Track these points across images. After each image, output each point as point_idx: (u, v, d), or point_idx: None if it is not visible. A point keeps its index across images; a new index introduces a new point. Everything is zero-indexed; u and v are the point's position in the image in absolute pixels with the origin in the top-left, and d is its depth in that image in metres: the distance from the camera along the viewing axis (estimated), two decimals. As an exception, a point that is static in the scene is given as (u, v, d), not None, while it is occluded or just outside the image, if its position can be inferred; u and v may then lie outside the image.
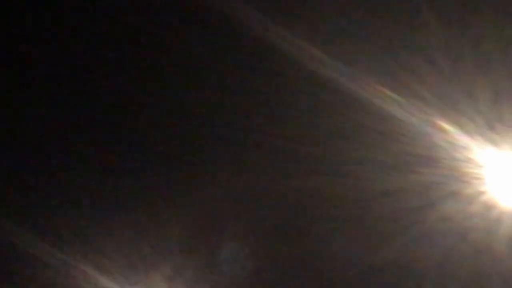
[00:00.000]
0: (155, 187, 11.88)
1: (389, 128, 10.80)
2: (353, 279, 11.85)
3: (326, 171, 11.17)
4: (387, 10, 10.22)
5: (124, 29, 10.49)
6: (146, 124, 11.44)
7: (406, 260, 11.58)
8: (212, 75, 10.82)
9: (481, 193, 10.38)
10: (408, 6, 10.22)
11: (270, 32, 9.72)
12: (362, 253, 11.72)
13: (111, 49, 11.10)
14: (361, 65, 10.57)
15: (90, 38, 10.76)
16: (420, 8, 10.19)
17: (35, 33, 10.73)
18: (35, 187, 12.48)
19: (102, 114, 11.57)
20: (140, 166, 12.01)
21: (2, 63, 11.21)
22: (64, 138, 11.71)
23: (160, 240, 12.46)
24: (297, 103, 10.67)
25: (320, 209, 11.22)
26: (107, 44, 10.98)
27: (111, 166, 11.95)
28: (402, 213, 10.99)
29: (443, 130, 10.49)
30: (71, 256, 12.76)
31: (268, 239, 11.59)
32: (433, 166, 10.65)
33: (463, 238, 10.92)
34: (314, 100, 10.60)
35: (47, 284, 12.78)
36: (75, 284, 12.98)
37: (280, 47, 9.80)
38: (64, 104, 11.41)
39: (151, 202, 11.83)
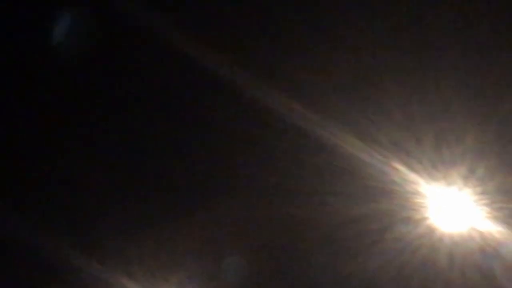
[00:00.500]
0: (166, 209, 13.16)
1: (353, 166, 11.98)
2: (327, 286, 13.03)
3: (305, 201, 12.40)
4: (348, 67, 11.42)
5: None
6: (160, 161, 12.76)
7: (369, 271, 12.74)
8: (211, 121, 12.09)
9: (426, 218, 11.54)
10: (367, 66, 11.42)
11: (244, 83, 11.03)
12: (333, 266, 12.91)
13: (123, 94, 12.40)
14: (331, 116, 11.67)
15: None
16: (377, 68, 11.38)
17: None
18: (73, 202, 13.69)
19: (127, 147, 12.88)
20: (159, 193, 13.32)
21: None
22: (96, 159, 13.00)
23: (172, 251, 13.67)
24: (279, 145, 11.91)
25: (299, 231, 12.45)
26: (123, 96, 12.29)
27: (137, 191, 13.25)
28: (364, 235, 12.17)
29: (396, 169, 11.58)
30: (103, 265, 13.92)
31: (256, 255, 12.81)
32: (388, 197, 11.82)
33: (412, 254, 12.07)
34: (293, 144, 11.82)
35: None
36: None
37: (257, 98, 11.03)
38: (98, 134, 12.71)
39: (164, 222, 13.09)
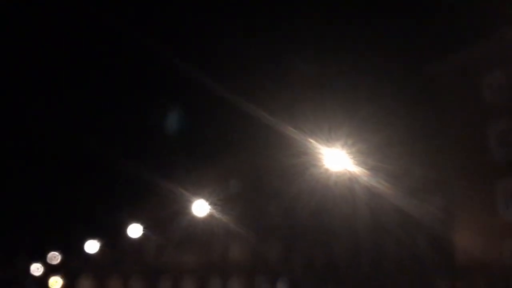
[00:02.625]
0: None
1: (278, 136, 21.84)
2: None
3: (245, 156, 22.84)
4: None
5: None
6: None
7: (290, 197, 23.38)
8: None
9: (323, 165, 21.58)
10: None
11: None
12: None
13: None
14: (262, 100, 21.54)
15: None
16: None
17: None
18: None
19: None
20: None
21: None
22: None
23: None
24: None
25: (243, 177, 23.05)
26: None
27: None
28: (287, 177, 22.59)
29: (307, 139, 21.50)
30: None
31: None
32: (302, 154, 21.92)
33: (316, 184, 22.44)
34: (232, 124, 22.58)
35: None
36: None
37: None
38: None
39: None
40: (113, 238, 34.14)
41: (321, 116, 24.38)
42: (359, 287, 7.26)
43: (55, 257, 34.56)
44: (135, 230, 35.62)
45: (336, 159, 22.68)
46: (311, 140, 22.60)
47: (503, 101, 26.16)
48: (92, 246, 33.31)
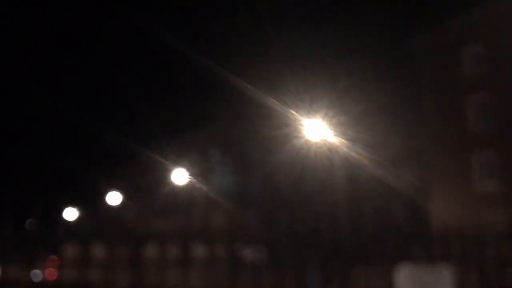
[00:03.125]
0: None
1: (263, 109, 21.89)
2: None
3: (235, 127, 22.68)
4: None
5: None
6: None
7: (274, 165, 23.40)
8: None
9: (304, 136, 21.71)
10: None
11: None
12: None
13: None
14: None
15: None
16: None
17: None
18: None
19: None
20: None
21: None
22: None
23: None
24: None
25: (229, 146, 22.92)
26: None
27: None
28: (271, 147, 22.62)
29: (289, 111, 21.47)
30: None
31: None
32: (284, 126, 21.96)
33: (297, 153, 22.56)
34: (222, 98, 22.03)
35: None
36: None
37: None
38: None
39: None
40: (93, 206, 34.14)
41: (302, 88, 24.53)
42: (337, 255, 7.45)
43: (33, 224, 34.47)
44: (114, 198, 35.65)
45: (316, 130, 22.89)
46: (292, 112, 22.75)
47: (482, 74, 26.52)
48: (71, 214, 33.29)
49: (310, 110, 24.43)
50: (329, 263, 8.08)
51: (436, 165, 27.03)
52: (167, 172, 32.66)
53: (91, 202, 34.63)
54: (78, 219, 32.29)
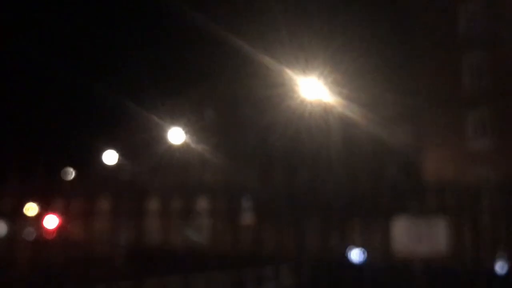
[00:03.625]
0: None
1: (260, 68, 21.88)
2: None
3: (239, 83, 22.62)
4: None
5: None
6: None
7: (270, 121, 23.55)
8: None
9: (300, 96, 21.72)
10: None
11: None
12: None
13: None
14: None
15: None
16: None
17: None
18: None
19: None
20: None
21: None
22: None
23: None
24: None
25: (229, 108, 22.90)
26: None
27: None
28: (267, 106, 22.69)
29: (285, 70, 21.45)
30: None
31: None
32: (280, 85, 21.95)
33: (294, 111, 22.59)
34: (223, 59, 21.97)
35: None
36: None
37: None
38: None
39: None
40: (89, 165, 34.22)
41: (297, 46, 24.45)
42: (333, 209, 7.59)
43: (30, 183, 34.48)
44: (110, 157, 35.73)
45: (312, 90, 22.90)
46: (287, 71, 22.75)
47: (477, 32, 26.46)
48: (67, 174, 33.30)
49: (306, 69, 24.44)
50: (326, 216, 8.16)
51: (431, 122, 27.17)
52: (163, 131, 32.70)
53: (87, 162, 34.74)
54: (74, 178, 32.37)
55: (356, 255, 8.02)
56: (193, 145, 32.14)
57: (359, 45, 25.36)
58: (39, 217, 9.81)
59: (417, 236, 7.08)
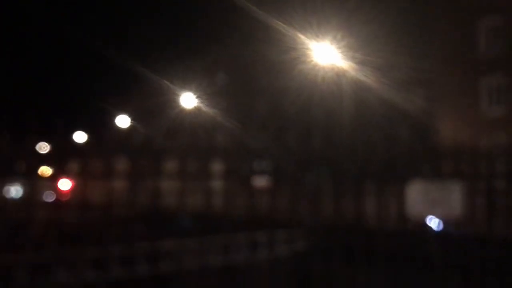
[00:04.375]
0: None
1: (274, 33, 21.61)
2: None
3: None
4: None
5: None
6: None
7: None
8: None
9: (312, 60, 21.53)
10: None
11: None
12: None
13: None
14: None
15: None
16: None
17: None
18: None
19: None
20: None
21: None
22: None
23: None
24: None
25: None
26: None
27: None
28: (282, 68, 22.57)
29: (298, 36, 21.23)
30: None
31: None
32: (293, 50, 21.71)
33: (306, 76, 22.48)
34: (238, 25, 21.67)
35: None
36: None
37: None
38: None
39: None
40: (101, 128, 34.33)
41: (309, 10, 24.07)
42: (347, 173, 7.55)
43: (44, 147, 34.76)
44: (123, 121, 35.89)
45: (325, 54, 22.64)
46: (300, 35, 22.45)
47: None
48: (80, 137, 33.46)
49: (318, 33, 24.10)
50: (340, 181, 8.12)
51: (445, 87, 26.86)
52: (175, 95, 32.63)
53: (99, 125, 34.82)
54: (87, 141, 32.54)
55: (435, 224, 7.91)
56: (205, 109, 32.10)
57: (372, 9, 24.97)
58: (54, 179, 9.87)
59: (431, 201, 7.02)
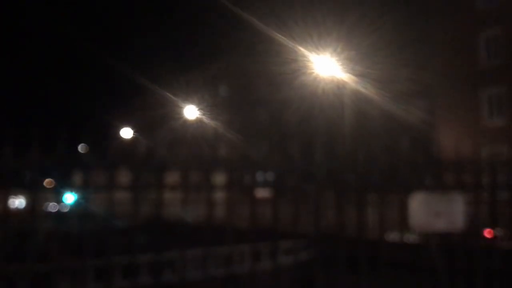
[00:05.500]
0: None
1: (275, 44, 21.66)
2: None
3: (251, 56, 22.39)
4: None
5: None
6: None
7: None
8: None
9: (313, 72, 21.54)
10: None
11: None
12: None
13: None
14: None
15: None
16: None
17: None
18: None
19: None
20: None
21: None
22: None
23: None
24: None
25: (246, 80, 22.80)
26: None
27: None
28: (282, 80, 22.51)
29: (299, 48, 21.28)
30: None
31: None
32: (294, 61, 21.74)
33: (307, 87, 22.47)
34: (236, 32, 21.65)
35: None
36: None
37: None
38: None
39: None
40: (105, 140, 34.35)
41: (310, 23, 24.11)
42: (349, 185, 7.49)
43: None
44: (126, 132, 35.93)
45: (325, 66, 22.68)
46: (301, 47, 22.50)
47: (493, 9, 25.85)
48: (83, 148, 33.47)
49: (319, 45, 24.13)
50: (342, 192, 8.04)
51: (446, 98, 26.70)
52: (177, 107, 32.64)
53: (103, 137, 34.87)
54: (92, 153, 32.56)
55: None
56: (207, 121, 32.09)
57: (372, 22, 24.96)
58: (57, 191, 9.80)
59: (434, 212, 6.93)
